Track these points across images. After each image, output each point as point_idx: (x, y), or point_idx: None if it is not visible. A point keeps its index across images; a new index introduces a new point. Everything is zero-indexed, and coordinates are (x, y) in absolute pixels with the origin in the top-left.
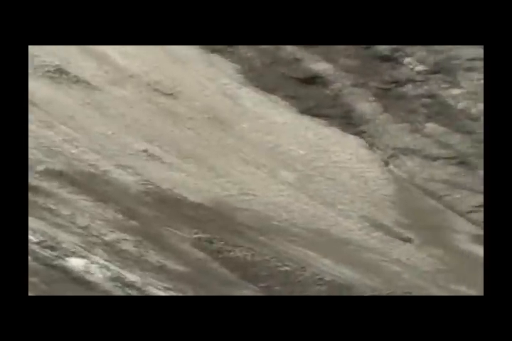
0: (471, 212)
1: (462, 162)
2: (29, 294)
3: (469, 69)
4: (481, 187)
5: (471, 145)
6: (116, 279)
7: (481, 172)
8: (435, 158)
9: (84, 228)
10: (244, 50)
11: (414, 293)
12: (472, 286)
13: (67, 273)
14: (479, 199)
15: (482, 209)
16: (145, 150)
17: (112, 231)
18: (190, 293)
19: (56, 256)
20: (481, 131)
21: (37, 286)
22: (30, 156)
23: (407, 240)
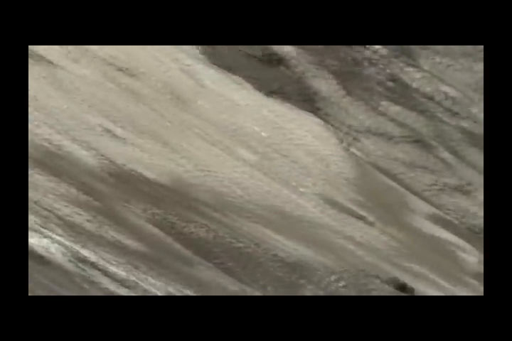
0: (425, 190)
1: (418, 141)
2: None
3: (426, 49)
4: (436, 167)
5: (427, 124)
6: (70, 254)
7: (436, 152)
8: (391, 137)
9: (37, 202)
10: None
11: (368, 271)
12: (424, 264)
13: None
14: (434, 178)
15: (437, 188)
16: (100, 125)
17: (65, 206)
18: (144, 269)
19: None
20: (436, 110)
21: None
22: None
23: (362, 218)
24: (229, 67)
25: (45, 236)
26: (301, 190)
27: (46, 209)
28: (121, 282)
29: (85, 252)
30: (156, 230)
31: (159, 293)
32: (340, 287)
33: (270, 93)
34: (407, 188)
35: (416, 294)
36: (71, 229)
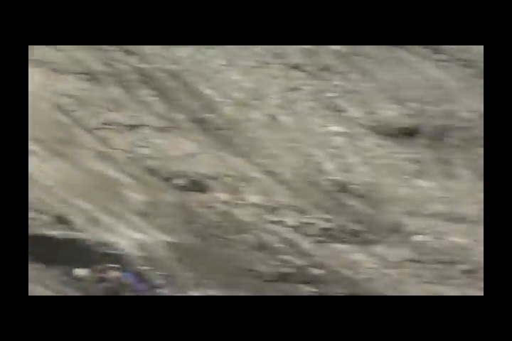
0: (97, 129)
1: (93, 78)
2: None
3: None
4: (109, 105)
5: (102, 62)
6: None
7: (111, 89)
8: (66, 72)
9: None
10: None
11: (36, 207)
12: (97, 202)
13: None
14: (106, 116)
15: (108, 126)
16: None
17: None
18: None
19: None
20: (112, 48)
21: None
22: None
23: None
24: None
25: None
26: None
27: None
28: None
29: None
30: None
31: None
32: None
33: None
34: (80, 125)
35: (78, 230)
36: None
